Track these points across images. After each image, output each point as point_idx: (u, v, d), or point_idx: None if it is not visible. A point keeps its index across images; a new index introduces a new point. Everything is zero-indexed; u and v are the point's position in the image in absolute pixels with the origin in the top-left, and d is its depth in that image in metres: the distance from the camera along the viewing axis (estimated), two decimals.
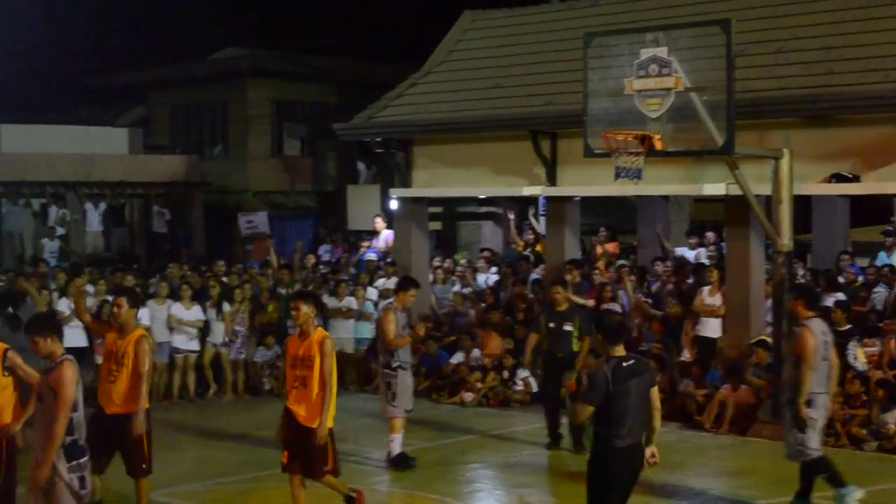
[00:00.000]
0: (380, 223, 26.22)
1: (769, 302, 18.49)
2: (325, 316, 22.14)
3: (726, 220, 19.66)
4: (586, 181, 20.56)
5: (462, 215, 30.67)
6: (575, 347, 16.28)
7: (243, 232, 31.35)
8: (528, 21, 23.64)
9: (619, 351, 9.87)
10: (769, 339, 18.07)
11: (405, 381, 15.46)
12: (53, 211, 30.16)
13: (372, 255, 25.29)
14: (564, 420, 16.18)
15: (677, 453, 16.43)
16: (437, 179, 23.17)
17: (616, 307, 20.23)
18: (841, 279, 20.06)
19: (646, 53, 16.18)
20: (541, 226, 25.34)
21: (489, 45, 23.70)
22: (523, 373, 20.15)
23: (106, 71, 39.82)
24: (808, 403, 12.69)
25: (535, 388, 19.83)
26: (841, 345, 16.40)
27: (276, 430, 12.54)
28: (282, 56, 36.82)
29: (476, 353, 21.25)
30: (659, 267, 21.58)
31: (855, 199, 22.32)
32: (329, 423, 12.08)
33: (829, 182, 18.25)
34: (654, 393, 10.06)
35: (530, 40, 23.01)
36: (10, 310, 17.87)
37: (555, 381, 16.42)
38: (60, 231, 29.38)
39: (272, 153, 35.61)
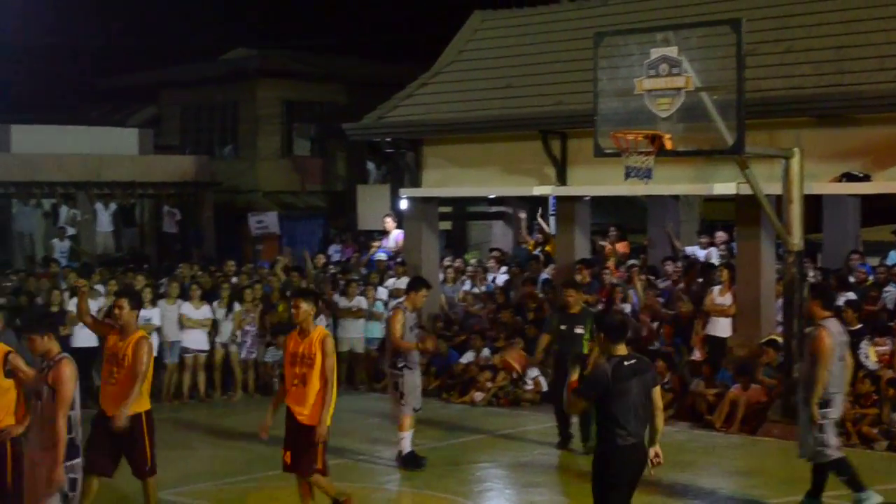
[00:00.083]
0: (390, 223, 26.23)
1: (780, 301, 18.48)
2: (336, 316, 22.19)
3: (737, 220, 19.65)
4: (596, 181, 20.56)
5: (472, 215, 30.67)
6: (586, 350, 16.26)
7: (253, 232, 31.39)
8: (537, 21, 23.64)
9: (621, 350, 9.87)
10: (779, 339, 18.05)
11: (412, 381, 15.46)
12: (64, 211, 30.21)
13: (382, 255, 25.30)
14: (574, 420, 16.18)
15: (688, 453, 16.43)
16: (447, 179, 23.18)
17: (627, 308, 20.27)
18: (851, 278, 20.03)
19: (656, 53, 16.19)
20: (550, 226, 25.32)
21: (499, 45, 23.70)
22: (533, 372, 20.14)
23: (116, 71, 39.89)
24: (827, 403, 12.67)
25: (545, 387, 19.83)
26: (852, 344, 16.35)
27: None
28: (292, 56, 36.84)
29: (486, 352, 21.26)
30: (669, 267, 21.57)
31: (865, 199, 22.27)
32: (328, 422, 12.07)
33: (840, 181, 18.24)
34: (657, 393, 10.04)
35: (540, 40, 23.01)
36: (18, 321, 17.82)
37: (565, 382, 16.37)
38: (71, 231, 29.43)
39: (282, 153, 35.64)
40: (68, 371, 10.09)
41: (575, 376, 10.26)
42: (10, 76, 42.80)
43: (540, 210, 25.65)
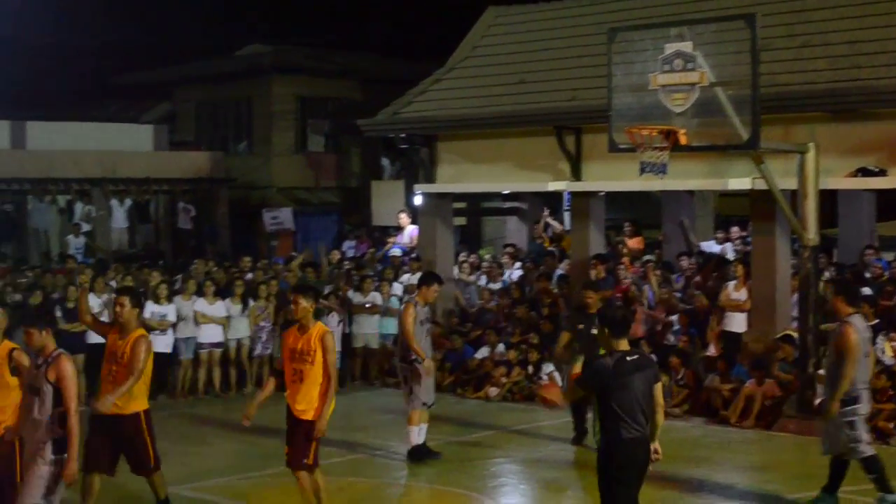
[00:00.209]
0: (404, 219, 26.24)
1: (795, 297, 18.46)
2: (351, 311, 22.22)
3: (752, 215, 19.63)
4: (611, 176, 20.55)
5: (486, 211, 30.67)
6: (602, 350, 16.17)
7: (268, 228, 31.43)
8: (551, 16, 23.63)
9: (623, 345, 9.91)
10: (795, 334, 18.02)
11: (425, 374, 15.49)
12: (79, 208, 30.28)
13: (397, 251, 25.31)
14: (590, 415, 16.17)
15: (703, 448, 16.44)
16: (461, 175, 23.18)
17: (643, 303, 20.28)
18: (867, 274, 19.99)
19: (670, 48, 16.20)
20: (561, 224, 25.28)
21: (513, 41, 23.70)
22: (548, 368, 20.14)
23: (131, 68, 39.92)
24: (855, 399, 12.63)
25: (560, 383, 19.82)
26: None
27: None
28: (306, 52, 36.83)
29: (501, 347, 21.27)
30: (684, 262, 21.55)
31: (881, 193, 22.20)
32: (326, 417, 12.04)
33: (855, 176, 18.20)
34: (658, 389, 10.06)
35: (554, 35, 23.00)
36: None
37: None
38: (86, 228, 29.49)
39: (296, 149, 35.64)
40: (70, 366, 10.15)
41: (578, 367, 10.36)
42: (25, 73, 42.95)
43: (547, 211, 25.51)
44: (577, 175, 21.30)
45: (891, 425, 16.49)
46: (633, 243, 23.20)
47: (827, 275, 19.41)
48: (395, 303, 22.32)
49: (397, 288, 22.83)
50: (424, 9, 43.66)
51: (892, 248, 22.62)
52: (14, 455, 10.58)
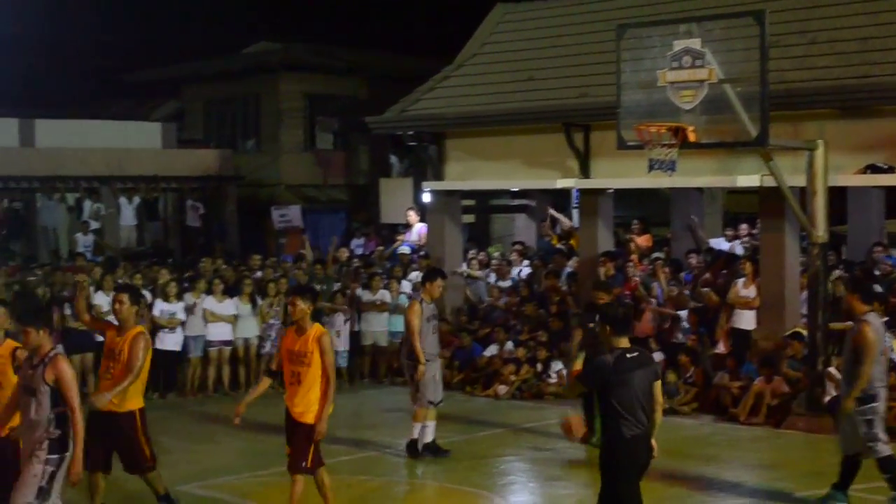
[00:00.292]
0: (412, 216, 26.21)
1: (804, 294, 18.43)
2: (360, 309, 22.22)
3: (760, 212, 19.61)
4: (620, 173, 20.54)
5: (495, 208, 30.66)
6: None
7: (276, 225, 31.43)
8: (560, 13, 23.62)
9: (624, 343, 9.96)
10: (804, 331, 18.00)
11: (428, 373, 15.50)
12: (88, 205, 30.30)
13: (405, 249, 25.30)
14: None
15: (712, 446, 16.43)
16: (469, 172, 23.17)
17: (652, 302, 20.26)
18: (876, 271, 19.95)
19: (679, 45, 16.20)
20: (567, 219, 25.24)
21: (521, 38, 23.69)
22: (557, 365, 20.14)
23: (139, 66, 39.95)
24: (873, 398, 12.58)
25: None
26: None
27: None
28: (314, 50, 36.82)
29: (510, 345, 21.26)
30: (693, 259, 21.53)
31: (890, 190, 22.15)
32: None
33: (865, 173, 18.18)
34: (658, 387, 10.11)
35: (563, 32, 22.99)
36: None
37: None
38: (94, 225, 29.51)
39: (305, 147, 35.65)
40: (67, 367, 10.08)
41: (579, 365, 10.39)
42: (34, 71, 43.03)
43: (551, 210, 25.50)
44: (585, 172, 21.28)
45: None
46: (642, 241, 23.17)
47: (837, 273, 19.37)
48: (404, 300, 22.28)
49: (406, 286, 22.82)
50: (433, 6, 43.69)
51: None
52: (17, 454, 10.59)
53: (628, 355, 9.86)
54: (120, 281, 21.34)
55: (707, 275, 20.76)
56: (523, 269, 23.88)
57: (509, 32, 24.14)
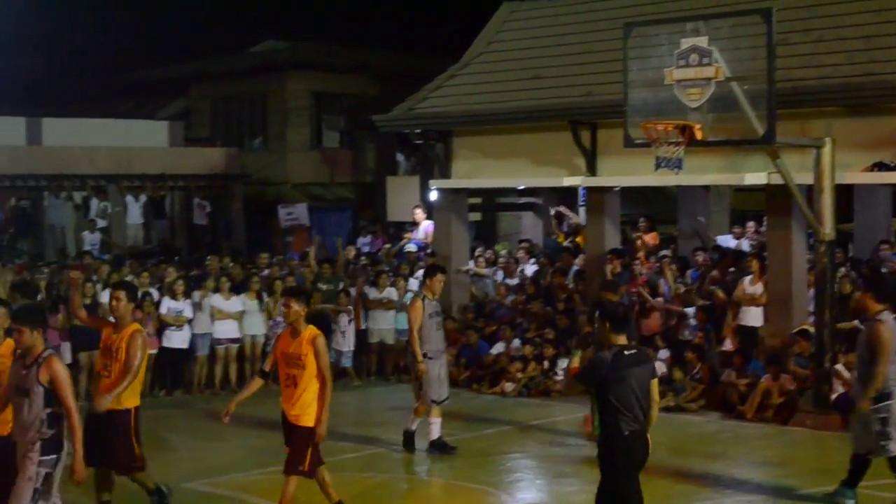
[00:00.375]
0: (419, 214, 26.23)
1: (811, 291, 18.42)
2: (367, 307, 22.24)
3: (767, 210, 19.60)
4: (626, 171, 20.54)
5: (502, 206, 30.66)
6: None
7: (283, 224, 31.45)
8: (566, 11, 23.60)
9: (622, 340, 10.06)
10: (811, 329, 17.99)
11: (432, 371, 15.52)
12: (94, 204, 30.33)
13: (412, 247, 25.32)
14: None
15: (719, 443, 16.43)
16: (476, 170, 23.18)
17: (659, 300, 20.27)
18: (883, 269, 19.94)
19: (686, 43, 16.19)
20: (575, 215, 25.25)
21: (528, 36, 23.68)
22: (564, 363, 20.14)
23: (146, 64, 39.98)
24: (888, 396, 12.55)
25: None
26: None
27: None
28: (321, 48, 36.80)
29: (516, 343, 21.27)
30: (700, 257, 21.53)
31: None
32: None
33: (872, 171, 18.17)
34: (654, 385, 10.20)
35: (569, 30, 22.99)
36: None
37: None
38: (101, 224, 29.54)
39: (311, 145, 35.64)
40: (62, 367, 9.99)
41: (576, 362, 10.47)
42: (41, 70, 43.06)
43: (562, 207, 25.52)
44: (592, 170, 21.29)
45: None
46: (649, 239, 23.17)
47: (843, 270, 19.36)
48: (410, 298, 22.31)
49: (413, 283, 22.81)
50: (439, 4, 43.66)
51: None
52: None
53: (626, 352, 9.96)
54: (127, 278, 21.41)
55: (715, 272, 20.75)
56: (529, 267, 23.90)
57: (516, 31, 24.14)
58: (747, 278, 19.41)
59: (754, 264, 19.41)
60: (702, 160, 18.63)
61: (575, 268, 22.70)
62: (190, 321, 20.88)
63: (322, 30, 42.34)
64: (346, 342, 21.91)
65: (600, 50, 21.22)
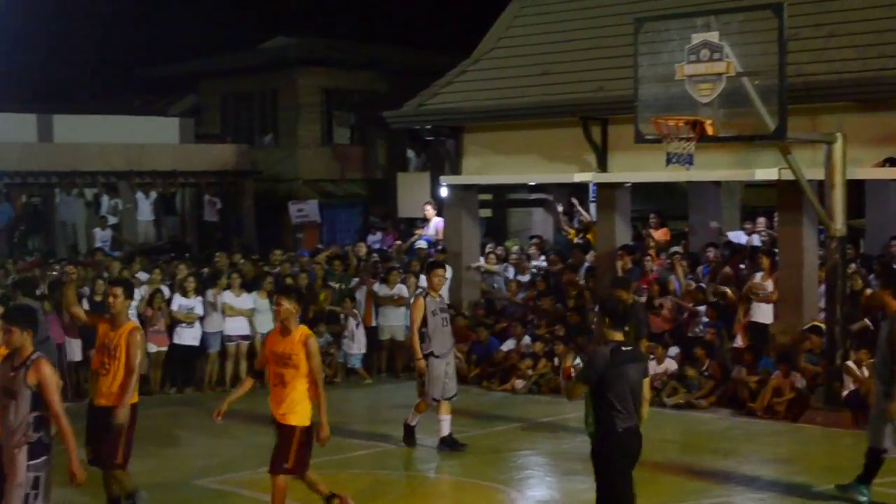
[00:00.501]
0: (430, 211, 26.21)
1: (822, 287, 18.38)
2: (377, 304, 22.23)
3: (778, 206, 19.56)
4: (637, 167, 20.50)
5: (512, 202, 30.64)
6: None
7: (294, 220, 31.45)
8: (577, 7, 23.55)
9: (619, 336, 10.12)
10: (822, 325, 17.95)
11: (435, 370, 15.53)
12: (105, 201, 30.34)
13: (423, 243, 25.30)
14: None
15: (729, 440, 16.40)
16: (487, 166, 23.16)
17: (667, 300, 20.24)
18: (895, 265, 19.87)
19: (697, 38, 16.18)
20: (589, 213, 25.23)
21: (539, 32, 23.64)
22: (574, 360, 20.07)
23: (157, 61, 40.00)
24: None
25: None
26: None
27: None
28: (331, 44, 36.83)
29: (527, 339, 21.25)
30: (710, 253, 21.49)
31: None
32: (306, 422, 11.61)
33: (883, 166, 18.11)
34: (646, 383, 10.29)
35: (580, 26, 22.94)
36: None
37: None
38: (112, 221, 29.56)
39: (322, 141, 35.65)
40: (50, 370, 9.82)
41: (568, 363, 10.50)
42: (52, 67, 43.10)
43: (576, 202, 25.51)
44: (603, 166, 21.25)
45: None
46: (659, 235, 23.13)
47: (854, 266, 19.29)
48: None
49: (424, 280, 22.77)
50: (450, 0, 43.60)
51: None
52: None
53: (623, 348, 10.02)
54: (138, 275, 21.44)
55: (727, 268, 20.69)
56: (540, 264, 23.88)
57: (526, 27, 24.10)
58: (758, 275, 19.36)
59: (765, 261, 19.36)
60: (712, 156, 18.60)
61: (586, 264, 22.67)
62: (201, 318, 20.89)
63: (332, 26, 42.35)
64: (357, 345, 21.94)
65: (611, 45, 21.18)
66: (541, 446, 16.28)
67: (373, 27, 43.08)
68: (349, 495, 12.31)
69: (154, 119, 33.88)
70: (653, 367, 19.04)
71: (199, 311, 20.87)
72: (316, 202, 31.79)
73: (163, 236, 30.92)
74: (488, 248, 24.70)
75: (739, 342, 19.32)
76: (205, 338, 21.02)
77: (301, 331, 11.69)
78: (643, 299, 19.55)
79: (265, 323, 21.32)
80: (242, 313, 21.16)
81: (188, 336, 20.83)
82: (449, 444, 15.63)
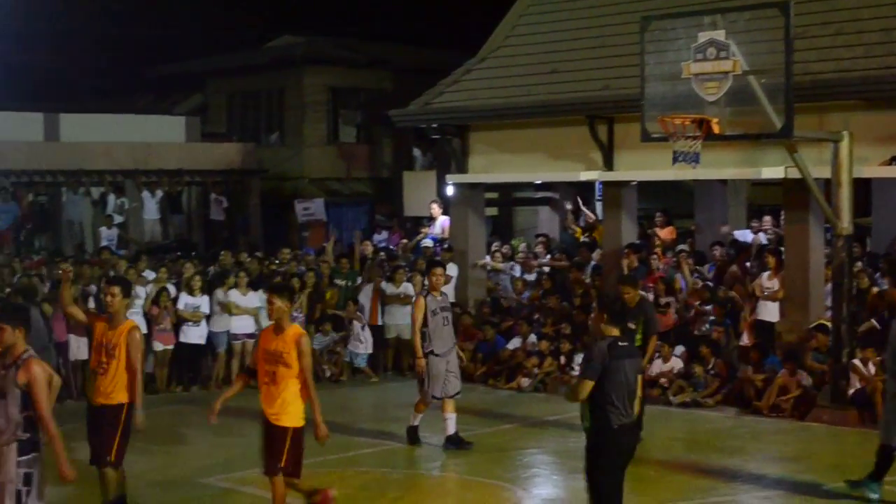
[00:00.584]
0: (436, 209, 26.21)
1: (829, 286, 18.36)
2: (384, 302, 22.23)
3: (785, 204, 19.55)
4: (644, 166, 20.49)
5: (518, 201, 30.63)
6: (638, 343, 16.02)
7: (300, 219, 31.45)
8: (583, 5, 23.54)
9: (616, 332, 10.16)
10: (828, 324, 17.93)
11: (434, 368, 15.55)
12: (112, 199, 30.36)
13: (429, 242, 25.30)
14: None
15: (736, 438, 16.39)
16: (493, 165, 23.16)
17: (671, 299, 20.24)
18: None
19: (703, 36, 16.19)
20: (596, 213, 25.21)
21: (545, 30, 23.63)
22: (580, 358, 20.09)
23: (163, 60, 40.02)
24: None
25: None
26: None
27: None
28: (337, 43, 36.82)
29: (533, 338, 21.24)
30: (717, 251, 21.48)
31: None
32: (299, 423, 11.54)
33: (890, 164, 18.10)
34: (639, 380, 10.30)
35: (586, 24, 22.93)
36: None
37: None
38: (119, 219, 29.58)
39: (328, 140, 35.65)
40: (40, 370, 9.71)
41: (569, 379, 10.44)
42: (58, 66, 43.12)
43: (580, 201, 25.52)
44: (609, 165, 21.25)
45: None
46: (665, 233, 23.13)
47: (859, 265, 19.26)
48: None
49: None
50: None
51: None
52: None
53: (619, 343, 10.07)
54: (145, 273, 21.44)
55: (734, 268, 20.67)
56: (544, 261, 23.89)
57: (533, 25, 24.09)
58: (765, 273, 19.34)
59: (771, 261, 19.34)
60: (719, 154, 18.59)
61: (592, 263, 22.66)
62: (207, 317, 20.90)
63: (339, 25, 42.32)
64: (363, 346, 21.97)
65: (617, 44, 21.17)
66: (547, 444, 16.28)
67: (379, 26, 43.04)
68: (352, 493, 12.30)
69: (160, 118, 33.89)
70: (658, 365, 19.06)
71: (206, 309, 20.88)
72: (322, 201, 31.79)
73: (169, 235, 30.94)
74: (494, 246, 24.69)
75: (746, 340, 19.32)
76: (212, 337, 21.03)
77: (294, 329, 11.64)
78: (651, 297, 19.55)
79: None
80: (249, 312, 21.16)
81: (194, 335, 20.85)
82: (455, 443, 15.63)
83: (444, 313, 15.72)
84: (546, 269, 23.50)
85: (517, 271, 23.83)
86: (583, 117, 21.12)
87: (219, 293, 21.06)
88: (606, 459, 10.04)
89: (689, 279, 20.52)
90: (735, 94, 15.93)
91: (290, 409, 11.49)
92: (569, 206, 25.92)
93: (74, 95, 38.95)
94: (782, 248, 19.69)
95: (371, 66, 35.66)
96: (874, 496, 12.77)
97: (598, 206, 25.04)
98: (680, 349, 19.52)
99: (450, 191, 24.40)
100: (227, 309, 20.98)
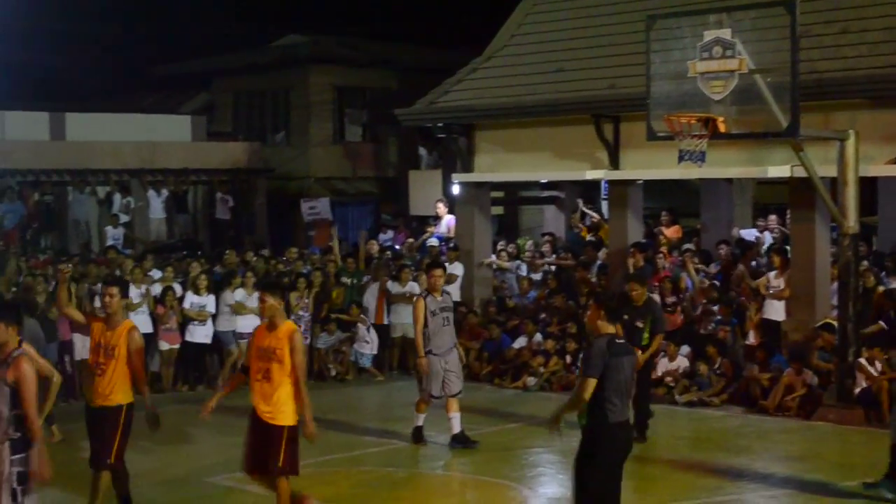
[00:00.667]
0: (441, 208, 26.21)
1: (835, 285, 18.34)
2: (389, 301, 22.23)
3: (790, 203, 19.53)
4: (649, 164, 20.47)
5: (524, 200, 30.62)
6: (644, 342, 16.05)
7: (306, 218, 31.44)
8: (589, 4, 23.50)
9: (612, 329, 10.18)
10: (834, 323, 17.91)
11: (432, 367, 15.58)
12: (118, 199, 30.39)
13: (434, 241, 25.29)
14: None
15: (742, 437, 16.37)
16: (499, 164, 23.15)
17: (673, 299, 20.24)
18: None
19: (709, 35, 16.17)
20: (598, 212, 25.19)
21: (551, 29, 23.61)
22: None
23: (169, 59, 40.06)
24: None
25: None
26: None
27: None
28: (343, 42, 36.84)
29: (538, 337, 21.23)
30: (723, 250, 21.46)
31: None
32: (293, 421, 11.45)
33: None
34: (633, 379, 10.33)
35: (592, 23, 22.91)
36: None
37: None
38: (124, 219, 29.60)
39: (334, 139, 35.66)
40: (29, 368, 9.69)
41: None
42: (64, 65, 43.18)
43: (581, 201, 25.50)
44: (615, 164, 21.22)
45: None
46: (671, 232, 23.11)
47: (865, 264, 19.25)
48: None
49: None
50: None
51: None
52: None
53: (617, 341, 10.08)
54: (151, 273, 21.44)
55: (741, 267, 20.65)
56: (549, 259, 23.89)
57: (538, 24, 24.07)
58: (771, 272, 19.33)
59: (777, 260, 19.33)
60: (725, 153, 18.57)
61: (598, 262, 22.64)
62: (213, 316, 20.90)
63: (344, 24, 42.37)
64: (369, 346, 21.99)
65: (623, 43, 21.15)
66: (552, 444, 16.21)
67: (385, 25, 43.09)
68: (357, 492, 12.30)
69: (166, 117, 33.92)
70: (664, 364, 19.06)
71: (211, 308, 20.88)
72: (328, 200, 31.78)
73: (175, 234, 30.95)
74: (500, 245, 24.69)
75: (752, 339, 19.30)
76: (219, 336, 21.03)
77: (287, 325, 11.55)
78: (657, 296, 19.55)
79: None
80: (254, 311, 21.14)
81: (200, 334, 20.85)
82: (461, 442, 15.63)
83: (444, 314, 15.72)
84: (552, 268, 23.51)
85: (523, 270, 23.83)
86: (588, 116, 21.09)
87: (227, 295, 21.03)
88: (603, 457, 10.00)
89: (694, 278, 20.50)
90: (741, 93, 15.91)
91: (284, 409, 11.41)
92: (581, 202, 25.87)
93: (80, 95, 39.00)
94: (788, 247, 19.67)
95: (377, 66, 35.67)
96: (891, 496, 12.71)
97: (604, 204, 25.02)
98: (686, 348, 19.51)
99: (455, 190, 24.40)
100: (237, 310, 20.98)
